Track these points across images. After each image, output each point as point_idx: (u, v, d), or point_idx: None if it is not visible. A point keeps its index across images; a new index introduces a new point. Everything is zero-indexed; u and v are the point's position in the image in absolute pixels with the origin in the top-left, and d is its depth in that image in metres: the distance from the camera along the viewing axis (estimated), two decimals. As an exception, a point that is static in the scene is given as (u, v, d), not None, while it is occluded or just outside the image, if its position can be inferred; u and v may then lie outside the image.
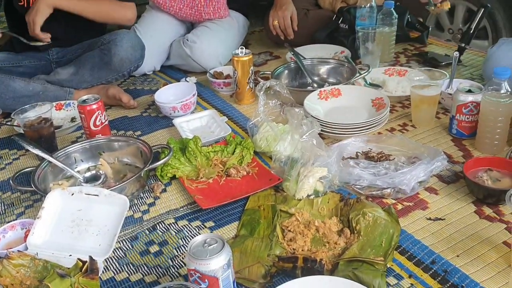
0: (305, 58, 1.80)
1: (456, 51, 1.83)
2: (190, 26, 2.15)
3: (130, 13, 1.85)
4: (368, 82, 1.69)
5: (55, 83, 1.73)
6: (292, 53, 1.80)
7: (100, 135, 1.42)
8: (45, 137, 1.45)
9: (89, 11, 1.75)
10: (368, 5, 1.87)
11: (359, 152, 1.28)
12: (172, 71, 2.04)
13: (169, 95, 1.66)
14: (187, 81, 1.85)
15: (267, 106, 1.43)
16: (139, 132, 1.58)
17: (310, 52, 1.96)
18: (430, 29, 2.11)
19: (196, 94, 1.64)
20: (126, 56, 1.73)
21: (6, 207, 1.26)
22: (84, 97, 1.42)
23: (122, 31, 1.77)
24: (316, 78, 1.76)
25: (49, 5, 1.65)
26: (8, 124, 1.67)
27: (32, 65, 1.85)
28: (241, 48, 1.64)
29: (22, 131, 1.48)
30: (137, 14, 1.89)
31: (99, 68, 1.73)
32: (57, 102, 1.70)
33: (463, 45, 1.82)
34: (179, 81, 1.90)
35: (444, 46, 2.04)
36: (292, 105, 1.46)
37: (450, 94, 1.46)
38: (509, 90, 1.23)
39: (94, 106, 1.40)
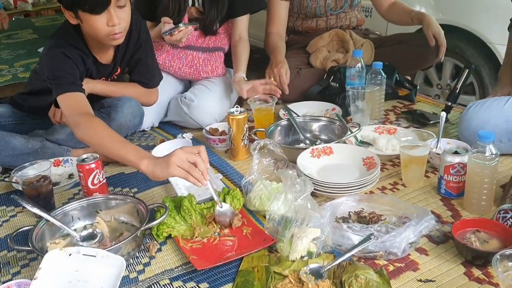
0: (298, 116, 1.86)
1: (443, 110, 1.91)
2: (188, 83, 2.23)
3: (155, 97, 1.95)
4: (359, 140, 1.74)
5: (53, 141, 1.77)
6: (285, 110, 1.86)
7: (98, 193, 1.45)
8: (43, 195, 1.48)
9: (119, 94, 1.82)
10: (358, 65, 1.95)
11: (351, 212, 1.32)
12: (169, 127, 2.09)
13: (165, 152, 1.68)
14: (183, 137, 1.90)
15: (261, 164, 1.48)
16: (135, 189, 1.61)
17: (302, 108, 2.03)
18: (418, 87, 2.19)
19: (192, 151, 1.68)
20: (125, 122, 1.79)
21: (1, 266, 1.27)
22: (84, 156, 1.46)
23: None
24: (308, 135, 1.81)
25: (86, 92, 1.69)
26: (6, 181, 1.69)
27: (33, 122, 1.90)
28: (236, 107, 1.70)
29: (21, 188, 1.51)
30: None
31: None
32: (55, 159, 1.73)
33: (449, 103, 1.89)
34: (175, 137, 1.94)
35: (432, 104, 2.12)
36: (285, 163, 1.51)
37: (438, 154, 1.51)
38: (494, 152, 1.29)
39: (93, 165, 1.43)
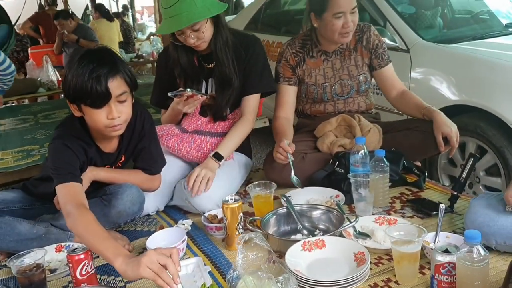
0: (301, 206, 1.85)
1: (449, 199, 1.86)
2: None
3: (157, 183, 2.01)
4: (357, 231, 1.70)
5: (58, 227, 1.82)
6: (284, 199, 1.85)
7: (86, 284, 1.47)
8: (35, 284, 1.51)
9: (122, 181, 1.89)
10: (361, 152, 1.94)
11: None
12: (174, 211, 2.12)
13: (161, 241, 1.71)
14: (183, 224, 1.91)
15: (247, 258, 1.45)
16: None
17: (305, 195, 2.02)
18: (426, 173, 2.14)
19: (186, 240, 1.69)
20: (124, 210, 1.84)
21: None
22: (74, 246, 1.50)
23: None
24: (306, 224, 1.79)
25: (90, 178, 1.80)
26: (7, 266, 1.74)
27: (43, 207, 1.97)
28: (230, 195, 1.71)
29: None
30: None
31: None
32: (57, 244, 1.78)
33: (455, 193, 1.83)
34: (177, 222, 1.96)
35: (441, 192, 2.05)
36: (272, 258, 1.49)
37: (433, 248, 1.45)
38: (482, 254, 1.22)
39: (82, 256, 1.47)
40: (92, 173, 1.80)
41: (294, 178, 2.04)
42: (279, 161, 2.05)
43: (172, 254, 1.28)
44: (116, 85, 1.61)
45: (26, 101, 6.27)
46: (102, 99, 1.60)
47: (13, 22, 11.08)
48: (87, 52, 1.65)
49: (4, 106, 5.99)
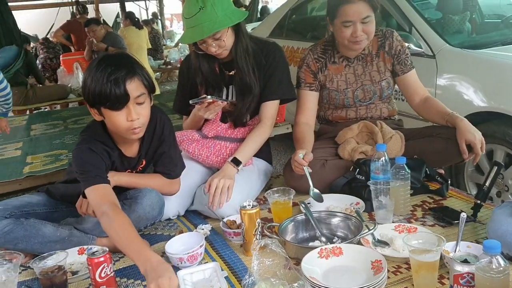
0: (319, 213, 1.84)
1: (472, 208, 1.82)
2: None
3: (177, 187, 2.05)
4: (376, 239, 1.68)
5: (81, 230, 1.87)
6: (303, 206, 1.84)
7: (105, 286, 1.49)
8: (56, 285, 1.55)
9: (142, 186, 1.93)
10: (381, 159, 1.92)
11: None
12: (194, 216, 2.13)
13: (180, 245, 1.73)
14: (202, 229, 1.92)
15: (262, 264, 1.46)
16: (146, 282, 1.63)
17: (324, 202, 2.00)
18: (449, 181, 2.09)
19: (204, 245, 1.70)
20: (143, 214, 1.87)
21: None
22: (94, 249, 1.52)
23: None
24: (325, 231, 1.77)
25: (112, 184, 1.82)
26: (31, 268, 1.79)
27: (67, 210, 2.02)
28: (248, 201, 1.71)
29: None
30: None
31: None
32: (80, 247, 1.82)
33: (478, 201, 1.79)
34: (196, 227, 1.98)
35: (465, 200, 2.01)
36: (288, 264, 1.48)
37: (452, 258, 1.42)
38: (502, 264, 1.19)
39: (101, 259, 1.50)
40: (113, 179, 1.84)
41: (312, 191, 1.99)
42: (297, 173, 2.04)
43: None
44: (134, 87, 1.66)
45: (58, 107, 6.44)
46: (121, 101, 1.65)
47: (46, 31, 11.42)
48: (105, 57, 1.71)
49: (36, 111, 6.19)
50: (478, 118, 2.49)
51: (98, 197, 1.68)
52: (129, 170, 1.93)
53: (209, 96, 2.02)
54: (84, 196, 1.81)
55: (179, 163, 2.02)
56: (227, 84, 2.23)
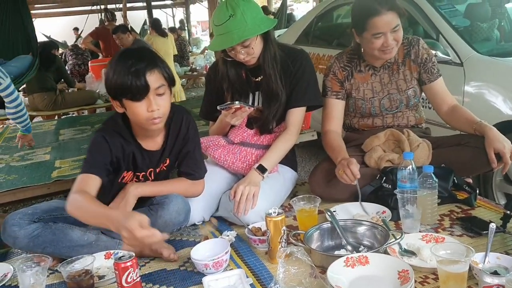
0: (345, 221, 1.83)
1: (501, 218, 1.78)
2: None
3: (201, 188, 2.07)
4: (403, 249, 1.66)
5: (107, 234, 1.89)
6: (329, 213, 1.84)
7: (132, 291, 1.51)
8: (83, 288, 1.57)
9: (167, 192, 1.96)
10: (409, 168, 1.90)
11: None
12: (219, 222, 2.14)
13: (205, 251, 1.75)
14: (227, 235, 1.93)
15: (288, 272, 1.45)
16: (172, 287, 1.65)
17: (352, 209, 1.99)
18: (478, 191, 2.06)
19: (229, 252, 1.71)
20: (170, 220, 1.89)
21: None
22: (121, 254, 1.55)
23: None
24: (351, 240, 1.76)
25: (136, 196, 1.89)
26: (59, 271, 1.82)
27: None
28: (274, 208, 1.71)
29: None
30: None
31: None
32: (107, 251, 1.85)
33: (508, 212, 1.76)
34: (221, 233, 1.99)
35: (494, 210, 1.97)
36: (314, 273, 1.48)
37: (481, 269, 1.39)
38: (535, 278, 1.16)
39: (128, 264, 1.51)
40: (137, 191, 1.89)
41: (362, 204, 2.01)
42: (343, 181, 2.01)
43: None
44: (154, 79, 1.72)
45: (86, 112, 6.57)
46: (141, 92, 1.71)
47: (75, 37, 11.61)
48: (126, 50, 1.80)
49: (65, 117, 6.33)
50: (507, 127, 2.45)
51: (78, 184, 1.78)
52: (152, 169, 1.96)
53: (236, 102, 2.03)
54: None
55: (202, 166, 2.05)
56: (253, 90, 2.24)
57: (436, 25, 3.15)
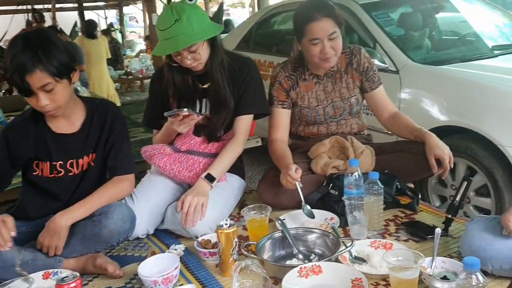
0: (296, 230, 1.83)
1: (443, 222, 1.85)
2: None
3: (128, 184, 1.97)
4: (353, 256, 1.68)
5: (45, 252, 1.77)
6: (279, 222, 1.83)
7: (77, 313, 1.42)
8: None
9: (98, 206, 1.85)
10: (355, 174, 1.93)
11: None
12: (165, 235, 2.07)
13: (153, 267, 1.68)
14: (175, 249, 1.87)
15: (243, 286, 1.43)
16: (119, 305, 1.58)
17: (299, 217, 1.99)
18: (420, 196, 2.14)
19: (179, 267, 1.65)
20: (115, 228, 1.80)
21: None
22: (63, 274, 1.45)
23: (115, 203, 1.86)
24: (302, 248, 1.76)
25: (68, 226, 1.78)
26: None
27: (29, 231, 1.89)
28: (225, 220, 1.68)
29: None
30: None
31: (89, 239, 1.79)
32: (45, 271, 1.73)
33: (450, 216, 1.83)
34: (168, 247, 1.93)
35: (435, 214, 2.04)
36: (268, 285, 1.46)
37: (431, 274, 1.44)
38: (482, 281, 1.21)
39: (72, 285, 1.42)
40: (68, 220, 1.78)
41: (305, 207, 1.97)
42: (288, 188, 2.01)
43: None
44: (37, 78, 1.68)
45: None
46: (25, 91, 1.69)
47: (-1, 38, 11.00)
48: (14, 39, 1.76)
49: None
50: (441, 132, 2.56)
51: None
52: (73, 161, 1.90)
53: (185, 109, 1.98)
54: None
55: (131, 159, 1.99)
56: (200, 97, 2.20)
57: (373, 33, 3.25)
